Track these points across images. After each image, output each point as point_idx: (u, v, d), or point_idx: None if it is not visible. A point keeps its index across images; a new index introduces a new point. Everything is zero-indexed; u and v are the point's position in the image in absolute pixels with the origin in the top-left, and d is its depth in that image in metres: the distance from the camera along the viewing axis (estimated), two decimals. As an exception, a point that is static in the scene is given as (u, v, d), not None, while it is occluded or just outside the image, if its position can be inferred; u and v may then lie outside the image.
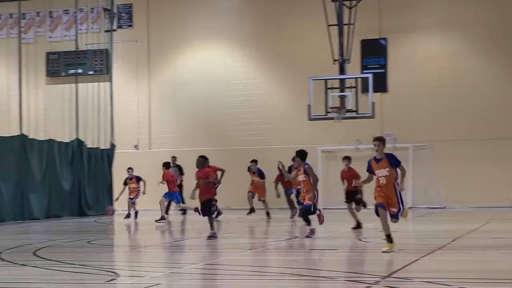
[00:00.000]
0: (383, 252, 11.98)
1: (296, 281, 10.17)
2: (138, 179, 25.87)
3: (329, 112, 26.88)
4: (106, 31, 32.87)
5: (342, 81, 27.28)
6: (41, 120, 30.41)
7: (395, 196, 12.22)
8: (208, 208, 16.72)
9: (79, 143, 29.61)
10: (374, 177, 12.58)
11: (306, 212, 16.39)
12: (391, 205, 12.20)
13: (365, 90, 27.01)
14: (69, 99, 31.02)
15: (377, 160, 12.43)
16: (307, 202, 16.19)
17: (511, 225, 20.34)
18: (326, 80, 27.23)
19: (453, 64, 30.19)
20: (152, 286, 9.49)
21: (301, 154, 17.00)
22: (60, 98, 31.67)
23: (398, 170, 12.60)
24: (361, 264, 11.96)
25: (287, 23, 31.57)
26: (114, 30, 32.93)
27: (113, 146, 30.75)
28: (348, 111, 26.86)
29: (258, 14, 32.29)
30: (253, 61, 32.57)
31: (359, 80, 27.39)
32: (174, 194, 24.65)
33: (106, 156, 29.88)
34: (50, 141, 28.54)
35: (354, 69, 28.69)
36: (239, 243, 17.55)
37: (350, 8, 27.93)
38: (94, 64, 33.26)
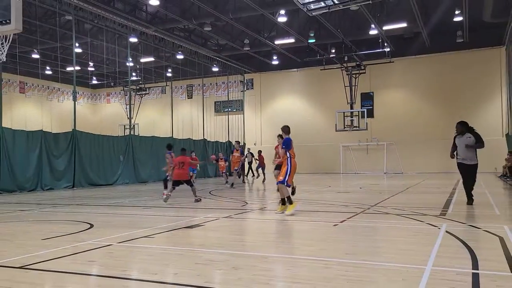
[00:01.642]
0: (276, 213, 8.54)
1: (310, 205, 9.92)
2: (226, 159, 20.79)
3: (345, 127, 26.75)
4: (241, 90, 33.30)
5: (351, 112, 26.96)
6: (212, 131, 30.99)
7: (284, 169, 8.59)
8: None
9: (229, 143, 30.01)
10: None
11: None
12: (280, 175, 8.70)
13: (363, 116, 26.68)
14: (225, 122, 31.94)
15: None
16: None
17: (438, 181, 19.43)
18: (344, 112, 27.09)
19: (408, 105, 29.64)
20: (263, 208, 9.71)
21: (168, 146, 13.36)
22: (220, 122, 32.43)
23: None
24: (360, 199, 11.10)
25: (324, 85, 30.93)
26: (245, 90, 33.43)
27: (244, 143, 30.81)
28: (354, 127, 26.57)
29: (309, 81, 31.90)
30: (308, 104, 32.14)
31: (360, 112, 27.11)
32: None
33: (242, 149, 30.05)
34: (216, 142, 29.06)
35: (357, 106, 28.48)
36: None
37: (355, 78, 27.69)
38: (235, 106, 33.55)
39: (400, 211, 8.71)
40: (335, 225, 7.04)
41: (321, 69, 28.88)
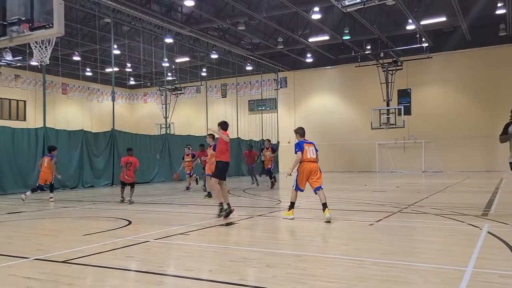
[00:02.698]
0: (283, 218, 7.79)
1: (346, 205, 10.07)
2: (193, 155, 15.40)
3: (381, 125, 26.43)
4: (275, 89, 33.38)
5: (388, 110, 26.60)
6: (246, 130, 31.18)
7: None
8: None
9: (263, 141, 30.01)
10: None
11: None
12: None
13: (399, 114, 26.36)
14: (258, 121, 32.16)
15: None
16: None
17: (480, 180, 18.93)
18: (380, 109, 26.80)
19: (447, 101, 28.62)
20: (297, 207, 10.08)
21: (49, 148, 12.49)
22: (254, 120, 32.63)
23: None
24: (397, 199, 10.94)
25: (359, 82, 30.34)
26: (279, 89, 33.47)
27: (278, 142, 31.14)
28: (391, 124, 26.22)
29: (344, 78, 31.40)
30: (343, 101, 31.66)
31: (397, 109, 26.76)
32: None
33: (276, 146, 30.34)
34: (250, 140, 29.07)
35: (394, 104, 27.98)
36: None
37: (392, 74, 27.48)
38: (269, 105, 33.52)
39: (439, 211, 8.52)
40: (371, 225, 6.95)
41: (356, 66, 28.69)
